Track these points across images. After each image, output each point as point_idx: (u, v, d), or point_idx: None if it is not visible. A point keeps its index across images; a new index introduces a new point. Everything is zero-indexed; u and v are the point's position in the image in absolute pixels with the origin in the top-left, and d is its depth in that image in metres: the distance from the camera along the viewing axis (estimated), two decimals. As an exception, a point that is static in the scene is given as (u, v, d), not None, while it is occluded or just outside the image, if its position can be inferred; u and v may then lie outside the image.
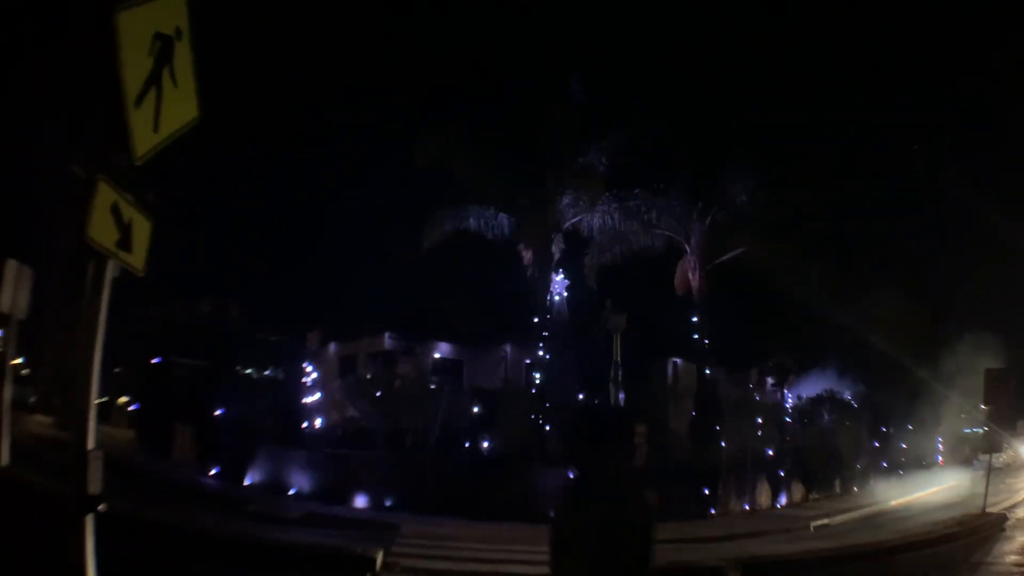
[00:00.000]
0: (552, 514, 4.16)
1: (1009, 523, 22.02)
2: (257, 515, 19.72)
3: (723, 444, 28.20)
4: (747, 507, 28.74)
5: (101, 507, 4.45)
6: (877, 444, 41.31)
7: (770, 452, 30.81)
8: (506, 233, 29.65)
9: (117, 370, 34.06)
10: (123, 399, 35.71)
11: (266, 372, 34.87)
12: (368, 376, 29.06)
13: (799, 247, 29.61)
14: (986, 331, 39.10)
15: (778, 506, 30.48)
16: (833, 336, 39.50)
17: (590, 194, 29.08)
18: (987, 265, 43.82)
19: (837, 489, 35.63)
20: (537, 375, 29.67)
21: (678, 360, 36.18)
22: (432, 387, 27.17)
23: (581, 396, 28.05)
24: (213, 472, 26.96)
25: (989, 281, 42.86)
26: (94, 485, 4.43)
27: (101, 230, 4.40)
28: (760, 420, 31.59)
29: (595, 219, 29.79)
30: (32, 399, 29.53)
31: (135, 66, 4.55)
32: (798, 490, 32.58)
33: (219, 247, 35.24)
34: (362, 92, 34.41)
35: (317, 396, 28.90)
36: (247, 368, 34.45)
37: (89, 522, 4.42)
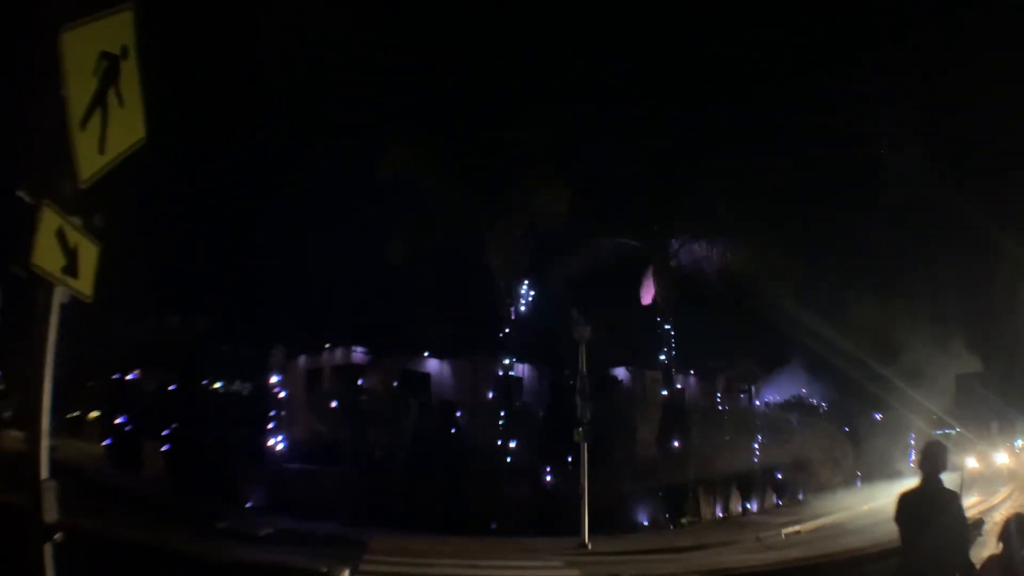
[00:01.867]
0: (898, 503, 7.97)
1: (985, 528, 22.01)
2: (226, 532, 19.48)
3: (691, 452, 28.24)
4: (718, 515, 28.79)
5: (58, 536, 4.36)
6: (847, 448, 41.32)
7: (740, 459, 30.86)
8: (473, 244, 29.51)
9: (91, 383, 33.68)
10: (94, 413, 35.25)
11: (234, 386, 34.48)
12: (335, 390, 28.86)
13: (764, 254, 29.88)
14: (955, 332, 39.38)
15: (750, 511, 30.57)
16: (800, 341, 39.56)
17: (557, 204, 29.00)
18: (956, 266, 44.01)
19: (808, 495, 35.65)
20: (505, 387, 29.52)
21: (645, 369, 36.17)
22: (400, 401, 27.01)
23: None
24: (182, 488, 26.62)
25: (958, 282, 43.08)
26: (49, 515, 4.32)
27: (46, 256, 4.28)
28: (728, 427, 31.74)
29: (562, 229, 29.73)
30: (7, 414, 29.20)
31: (80, 87, 4.45)
32: (769, 497, 32.65)
33: (186, 260, 34.69)
34: (327, 102, 33.99)
35: (284, 411, 28.60)
36: (215, 383, 34.05)
37: (48, 550, 4.32)
